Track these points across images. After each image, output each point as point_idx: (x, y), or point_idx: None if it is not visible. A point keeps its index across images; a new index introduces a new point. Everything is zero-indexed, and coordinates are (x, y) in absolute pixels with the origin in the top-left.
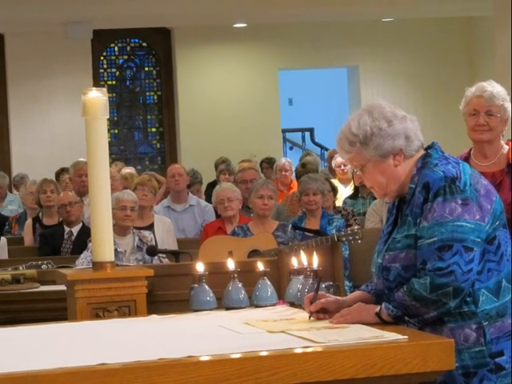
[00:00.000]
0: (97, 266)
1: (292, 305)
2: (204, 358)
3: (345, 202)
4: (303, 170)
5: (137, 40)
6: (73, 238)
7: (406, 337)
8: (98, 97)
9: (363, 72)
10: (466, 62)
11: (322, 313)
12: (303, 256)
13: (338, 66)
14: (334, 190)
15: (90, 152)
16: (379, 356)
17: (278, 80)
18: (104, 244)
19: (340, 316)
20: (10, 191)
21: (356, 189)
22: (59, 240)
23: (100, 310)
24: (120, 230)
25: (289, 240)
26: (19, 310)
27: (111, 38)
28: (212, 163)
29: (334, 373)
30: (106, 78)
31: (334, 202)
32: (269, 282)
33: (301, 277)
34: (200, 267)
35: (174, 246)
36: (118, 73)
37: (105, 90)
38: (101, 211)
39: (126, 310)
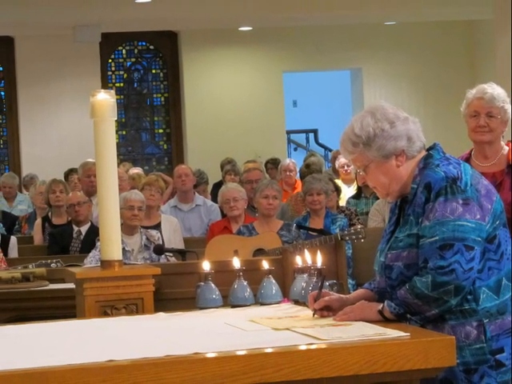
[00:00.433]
0: (105, 264)
1: (296, 302)
2: (210, 355)
3: (348, 202)
4: (307, 170)
5: (144, 43)
6: (81, 237)
7: (408, 334)
8: (106, 99)
9: (366, 74)
10: (467, 64)
11: (326, 310)
12: (307, 255)
13: (342, 69)
14: (338, 190)
15: (98, 153)
16: (382, 353)
17: (283, 82)
18: (112, 243)
19: (343, 314)
20: (20, 191)
21: (359, 189)
22: (68, 239)
23: (108, 308)
24: (128, 229)
25: (293, 239)
26: (29, 307)
27: (119, 41)
28: (218, 164)
29: (337, 369)
30: (113, 81)
31: (337, 201)
32: (273, 281)
33: (305, 275)
34: (206, 266)
35: (180, 245)
36: (125, 75)
37: (113, 92)
38: (109, 211)
39: (133, 307)
